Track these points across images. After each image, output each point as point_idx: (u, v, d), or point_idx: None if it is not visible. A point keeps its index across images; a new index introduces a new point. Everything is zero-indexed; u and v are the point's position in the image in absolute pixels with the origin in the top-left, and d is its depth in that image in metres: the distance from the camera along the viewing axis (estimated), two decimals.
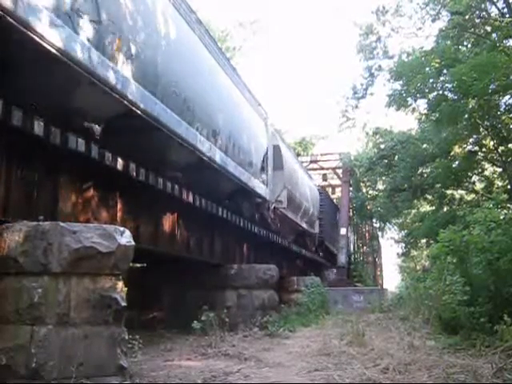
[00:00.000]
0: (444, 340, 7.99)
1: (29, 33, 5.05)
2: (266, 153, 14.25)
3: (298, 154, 31.84)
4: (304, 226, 20.01)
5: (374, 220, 32.02)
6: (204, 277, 12.08)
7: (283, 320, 12.83)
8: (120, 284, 5.48)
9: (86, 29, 5.91)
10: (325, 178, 31.80)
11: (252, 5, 57.71)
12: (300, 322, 13.35)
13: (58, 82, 5.83)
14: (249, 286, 12.27)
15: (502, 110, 16.37)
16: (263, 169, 13.89)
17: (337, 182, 31.58)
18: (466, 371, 5.78)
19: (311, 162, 30.33)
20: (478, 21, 15.96)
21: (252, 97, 13.64)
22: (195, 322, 9.33)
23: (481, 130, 17.53)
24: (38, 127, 5.66)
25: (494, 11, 16.42)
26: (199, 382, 6.07)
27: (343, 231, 26.37)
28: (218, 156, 10.15)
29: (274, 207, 14.98)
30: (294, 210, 17.88)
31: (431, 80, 15.79)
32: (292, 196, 16.91)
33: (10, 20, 4.81)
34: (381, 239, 38.40)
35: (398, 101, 17.96)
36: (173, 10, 8.44)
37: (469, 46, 16.89)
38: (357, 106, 22.76)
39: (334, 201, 31.15)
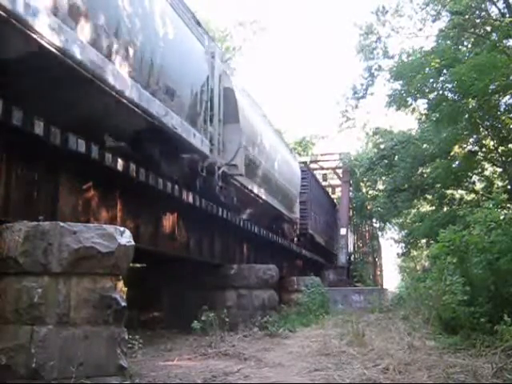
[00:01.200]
0: (444, 340, 7.99)
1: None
2: (210, 96, 10.39)
3: (299, 154, 31.71)
4: (278, 207, 15.84)
5: (374, 220, 32.04)
6: (204, 277, 12.07)
7: (283, 320, 12.83)
8: (120, 284, 5.48)
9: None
10: (325, 178, 31.80)
11: (252, 5, 57.74)
12: (300, 322, 13.35)
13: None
14: (249, 286, 12.26)
15: (501, 110, 16.38)
16: (208, 121, 10.32)
17: (337, 181, 31.58)
18: (466, 371, 5.78)
19: (311, 162, 30.31)
20: (478, 21, 15.96)
21: (187, 11, 9.76)
22: (195, 321, 9.33)
23: (481, 130, 17.54)
24: (38, 127, 5.65)
25: (494, 11, 16.46)
26: (199, 382, 6.07)
27: (343, 231, 26.38)
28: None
29: (225, 172, 11.02)
30: (262, 184, 13.90)
31: (431, 80, 15.81)
32: (255, 163, 13.08)
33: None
34: (381, 239, 38.46)
35: (398, 101, 17.99)
36: None
37: (469, 46, 16.90)
38: (357, 106, 22.85)
39: (334, 201, 31.10)
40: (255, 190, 13.33)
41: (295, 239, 19.33)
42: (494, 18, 15.92)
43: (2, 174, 5.60)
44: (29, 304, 4.94)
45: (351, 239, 31.43)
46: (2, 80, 5.18)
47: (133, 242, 5.69)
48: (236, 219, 12.13)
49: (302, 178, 19.96)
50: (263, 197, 14.07)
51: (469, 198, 21.80)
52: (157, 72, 7.92)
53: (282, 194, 16.19)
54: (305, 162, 24.17)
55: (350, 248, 30.04)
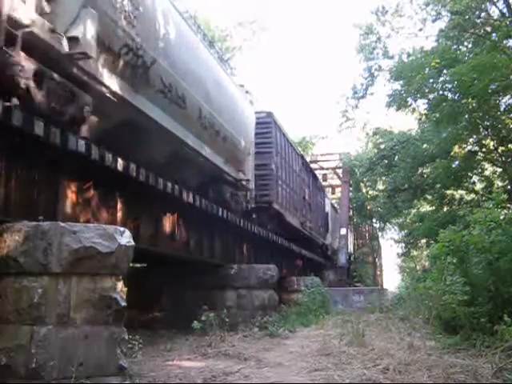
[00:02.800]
0: (444, 340, 7.99)
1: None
2: None
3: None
4: (208, 155, 10.60)
5: (374, 220, 32.04)
6: (204, 277, 12.07)
7: (283, 320, 12.84)
8: (120, 284, 5.49)
9: None
10: (325, 178, 31.81)
11: (252, 5, 57.73)
12: (300, 322, 13.36)
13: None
14: (249, 286, 12.27)
15: (501, 110, 16.37)
16: None
17: (337, 182, 31.61)
18: (466, 371, 5.79)
19: (311, 162, 30.32)
20: (478, 21, 15.96)
21: None
22: (195, 322, 9.33)
23: (481, 130, 17.53)
24: (38, 127, 5.65)
25: (494, 11, 16.45)
26: (199, 382, 6.08)
27: (343, 231, 26.39)
28: None
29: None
30: (165, 106, 8.47)
31: (431, 80, 15.80)
32: (144, 61, 7.65)
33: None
34: (381, 239, 38.46)
35: (398, 101, 17.97)
36: None
37: (469, 46, 16.89)
38: (357, 106, 22.80)
39: (334, 203, 31.03)
40: (144, 108, 7.74)
41: (252, 215, 14.36)
42: (494, 18, 15.91)
43: (1, 174, 5.60)
44: (29, 304, 4.94)
45: (351, 239, 31.46)
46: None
47: (133, 242, 5.69)
48: (236, 219, 12.14)
49: (264, 133, 15.25)
50: (164, 124, 8.42)
51: (469, 198, 21.79)
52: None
53: (220, 139, 11.02)
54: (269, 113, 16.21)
55: (350, 248, 30.03)
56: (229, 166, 11.93)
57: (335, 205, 30.96)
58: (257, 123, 14.43)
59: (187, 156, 9.77)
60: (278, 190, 16.03)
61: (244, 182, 12.92)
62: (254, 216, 14.40)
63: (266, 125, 15.54)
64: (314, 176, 24.06)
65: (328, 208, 26.94)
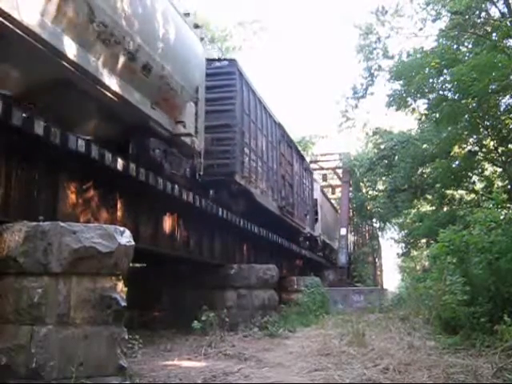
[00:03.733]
0: (444, 340, 7.99)
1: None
2: None
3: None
4: (123, 92, 7.34)
5: (374, 220, 32.05)
6: (204, 277, 12.07)
7: (283, 320, 12.84)
8: (120, 284, 5.48)
9: None
10: (325, 178, 31.82)
11: (252, 5, 57.73)
12: (300, 322, 13.36)
13: None
14: (249, 286, 12.26)
15: (501, 110, 16.38)
16: None
17: (337, 182, 31.62)
18: (466, 371, 5.79)
19: (311, 162, 30.34)
20: (478, 21, 15.96)
21: None
22: (195, 321, 9.33)
23: (481, 130, 17.54)
24: (38, 127, 5.65)
25: (494, 11, 16.46)
26: (199, 382, 6.08)
27: (343, 231, 26.37)
28: None
29: None
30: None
31: (431, 80, 15.81)
32: None
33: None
34: (381, 239, 38.45)
35: (398, 101, 17.99)
36: None
37: (469, 46, 16.90)
38: (357, 106, 22.78)
39: (334, 203, 30.99)
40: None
41: (209, 191, 11.55)
42: (494, 18, 15.91)
43: (1, 174, 5.60)
44: (29, 304, 4.93)
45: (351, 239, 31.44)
46: None
47: (133, 242, 5.69)
48: (236, 219, 12.14)
49: (226, 86, 12.14)
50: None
51: (469, 198, 21.81)
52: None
53: (138, 68, 7.71)
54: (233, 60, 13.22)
55: (350, 248, 30.02)
56: (159, 112, 8.44)
57: (332, 200, 30.82)
58: (216, 74, 11.86)
59: (82, 86, 6.52)
60: (243, 161, 12.51)
61: (187, 140, 9.44)
62: (211, 192, 11.54)
63: (228, 76, 12.34)
64: (299, 154, 20.44)
65: (318, 195, 24.05)
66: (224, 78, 12.25)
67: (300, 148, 24.05)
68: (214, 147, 11.51)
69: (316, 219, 23.31)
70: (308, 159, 30.33)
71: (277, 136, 16.31)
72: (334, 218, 29.33)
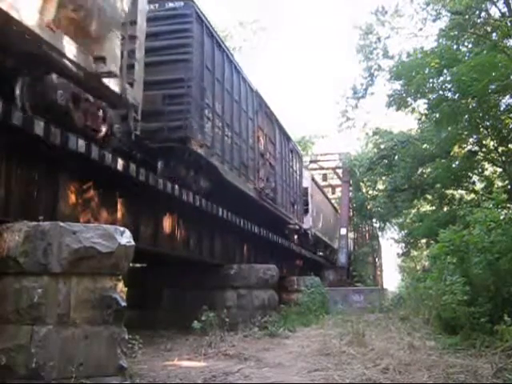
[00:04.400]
0: (444, 340, 7.99)
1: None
2: None
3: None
4: None
5: (374, 220, 32.04)
6: (204, 277, 12.08)
7: (283, 320, 12.83)
8: (120, 284, 5.48)
9: None
10: (325, 178, 31.81)
11: (252, 5, 57.75)
12: (300, 322, 13.36)
13: None
14: (249, 286, 12.26)
15: (501, 109, 16.38)
16: None
17: (337, 181, 31.59)
18: (466, 371, 5.80)
19: (311, 161, 30.33)
20: (478, 21, 15.97)
21: None
22: (195, 321, 9.33)
23: (481, 130, 17.55)
24: (38, 127, 5.65)
25: (494, 11, 16.46)
26: (199, 382, 6.08)
27: (343, 231, 26.35)
28: None
29: None
30: None
31: (431, 80, 15.81)
32: None
33: None
34: (381, 239, 38.44)
35: (398, 101, 18.00)
36: None
37: (469, 46, 16.91)
38: (357, 106, 22.80)
39: (334, 203, 30.93)
40: None
41: (157, 161, 9.16)
42: (494, 18, 15.92)
43: (1, 174, 5.60)
44: (29, 304, 4.94)
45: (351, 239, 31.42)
46: None
47: (133, 242, 5.69)
48: (236, 219, 12.14)
49: (179, 31, 9.93)
50: None
51: (469, 198, 21.81)
52: None
53: None
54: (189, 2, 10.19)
55: (350, 248, 30.02)
56: (61, 36, 5.94)
57: (332, 200, 30.61)
58: (168, 17, 9.90)
59: None
60: (203, 125, 9.94)
61: (115, 88, 7.11)
62: (160, 164, 9.06)
63: (183, 19, 9.94)
64: (284, 132, 17.23)
65: (308, 183, 21.53)
66: (178, 21, 9.93)
67: (300, 147, 23.70)
68: (165, 107, 9.24)
69: (306, 210, 20.91)
70: (308, 159, 30.34)
71: (253, 105, 13.63)
72: (329, 212, 27.95)
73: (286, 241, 17.21)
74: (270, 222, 15.16)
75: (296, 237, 19.30)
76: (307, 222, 20.98)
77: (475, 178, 20.83)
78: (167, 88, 9.44)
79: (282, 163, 16.58)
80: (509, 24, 14.05)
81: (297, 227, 18.62)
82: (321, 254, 24.76)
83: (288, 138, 17.89)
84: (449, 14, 16.61)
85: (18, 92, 5.76)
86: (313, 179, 23.59)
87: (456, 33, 15.99)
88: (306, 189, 21.13)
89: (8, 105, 5.32)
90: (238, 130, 12.29)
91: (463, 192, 22.18)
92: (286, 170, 17.30)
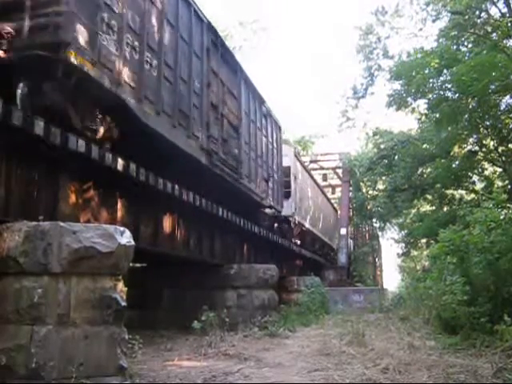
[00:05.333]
0: (444, 340, 7.99)
1: None
2: None
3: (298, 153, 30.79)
4: None
5: (374, 220, 32.04)
6: (204, 277, 12.08)
7: (283, 320, 12.83)
8: (120, 284, 5.48)
9: None
10: (325, 178, 31.81)
11: (252, 5, 57.74)
12: (300, 322, 13.36)
13: None
14: (249, 286, 12.27)
15: (501, 109, 16.39)
16: None
17: (337, 181, 31.60)
18: (466, 371, 5.79)
19: (311, 161, 30.33)
20: (478, 21, 15.97)
21: None
22: (195, 321, 9.33)
23: (481, 129, 17.55)
24: (38, 127, 5.65)
25: (494, 11, 16.46)
26: (199, 382, 6.08)
27: (343, 231, 26.33)
28: None
29: None
30: None
31: (431, 80, 15.81)
32: None
33: None
34: (381, 239, 38.45)
35: (398, 101, 18.00)
36: None
37: (469, 46, 16.91)
38: (357, 106, 22.86)
39: (334, 203, 30.89)
40: None
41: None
42: (494, 18, 15.92)
43: (2, 174, 5.60)
44: (29, 304, 4.94)
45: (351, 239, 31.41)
46: None
47: (133, 242, 5.69)
48: (236, 219, 12.14)
49: None
50: None
51: (469, 198, 21.82)
52: None
53: None
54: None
55: (350, 247, 30.02)
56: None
57: (332, 200, 30.41)
58: None
59: None
60: (98, 33, 6.55)
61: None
62: (20, 87, 5.87)
63: None
64: (252, 89, 13.67)
65: (290, 162, 18.11)
66: None
67: (300, 147, 23.35)
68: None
69: (288, 194, 17.52)
70: (308, 159, 30.32)
71: (202, 41, 10.29)
72: (320, 204, 25.00)
73: (286, 241, 17.19)
74: (234, 200, 11.93)
75: (276, 225, 16.61)
76: (288, 208, 17.54)
77: (475, 177, 20.84)
78: None
79: (249, 127, 13.12)
80: (509, 24, 14.04)
81: (275, 213, 15.77)
82: (296, 241, 19.76)
83: (261, 101, 14.64)
84: (449, 14, 16.62)
85: None
86: (297, 158, 19.98)
87: (456, 33, 16.00)
88: (288, 168, 17.74)
89: (8, 105, 5.32)
90: (173, 63, 8.79)
91: (463, 192, 22.19)
92: (257, 140, 13.81)
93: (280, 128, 16.92)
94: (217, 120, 10.78)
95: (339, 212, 28.97)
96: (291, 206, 17.97)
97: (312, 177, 23.78)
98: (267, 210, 15.26)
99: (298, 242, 19.84)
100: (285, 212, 17.06)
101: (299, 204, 19.41)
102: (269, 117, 15.47)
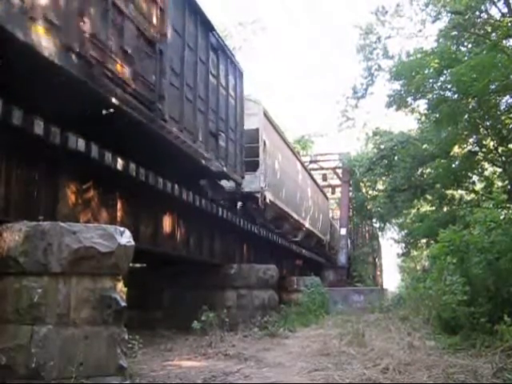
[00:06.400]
0: (444, 340, 7.99)
1: None
2: None
3: (298, 153, 30.55)
4: None
5: (374, 220, 32.05)
6: (204, 277, 12.07)
7: (283, 320, 12.83)
8: (120, 284, 5.48)
9: None
10: (325, 178, 31.80)
11: (252, 5, 57.75)
12: (300, 322, 13.36)
13: None
14: (249, 286, 12.27)
15: (501, 109, 16.39)
16: None
17: (337, 181, 31.59)
18: (466, 371, 5.79)
19: (311, 161, 30.30)
20: (478, 21, 15.97)
21: None
22: (195, 321, 9.33)
23: (481, 130, 17.56)
24: (38, 127, 5.65)
25: (494, 11, 16.46)
26: (199, 382, 6.08)
27: (343, 231, 26.32)
28: None
29: None
30: None
31: (431, 80, 15.81)
32: None
33: None
34: (381, 239, 38.45)
35: (398, 101, 18.00)
36: None
37: (469, 46, 16.91)
38: (357, 106, 22.82)
39: (334, 203, 30.84)
40: None
41: None
42: (494, 18, 15.93)
43: (1, 174, 5.60)
44: (29, 304, 4.93)
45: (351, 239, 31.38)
46: None
47: (133, 242, 5.69)
48: (236, 219, 12.13)
49: None
50: None
51: (469, 198, 21.83)
52: None
53: None
54: None
55: (350, 248, 30.00)
56: None
57: (332, 200, 29.96)
58: None
59: None
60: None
61: None
62: None
63: None
64: (188, 2, 9.48)
65: (259, 123, 14.40)
66: None
67: (299, 147, 22.93)
68: None
69: (255, 164, 13.97)
70: (308, 159, 30.30)
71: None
72: (307, 188, 21.41)
73: (285, 241, 17.18)
74: (155, 155, 8.15)
75: (241, 204, 13.74)
76: (255, 181, 13.92)
77: (475, 178, 20.85)
78: None
79: (183, 53, 9.10)
80: (509, 24, 14.04)
81: (234, 186, 12.41)
82: (271, 226, 15.86)
83: (208, 26, 10.47)
84: (449, 15, 16.62)
85: None
86: (269, 120, 15.59)
87: (456, 33, 16.00)
88: (256, 131, 14.17)
89: (8, 104, 5.32)
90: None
91: (463, 192, 22.19)
92: (200, 75, 9.96)
93: (242, 74, 12.86)
94: (106, 12, 6.49)
95: (339, 212, 28.94)
96: (259, 179, 14.00)
97: (294, 153, 19.94)
98: (224, 183, 11.80)
99: (276, 230, 16.16)
100: (250, 187, 13.56)
101: (272, 179, 15.15)
102: (221, 52, 11.37)
